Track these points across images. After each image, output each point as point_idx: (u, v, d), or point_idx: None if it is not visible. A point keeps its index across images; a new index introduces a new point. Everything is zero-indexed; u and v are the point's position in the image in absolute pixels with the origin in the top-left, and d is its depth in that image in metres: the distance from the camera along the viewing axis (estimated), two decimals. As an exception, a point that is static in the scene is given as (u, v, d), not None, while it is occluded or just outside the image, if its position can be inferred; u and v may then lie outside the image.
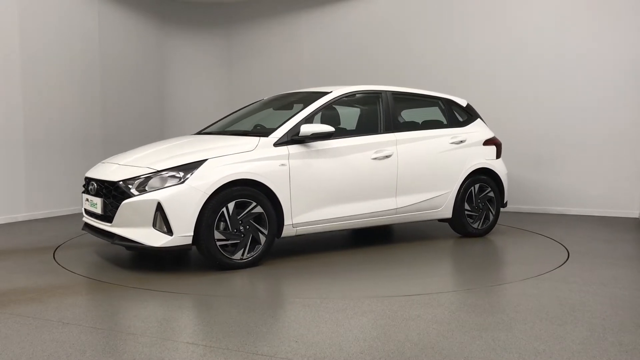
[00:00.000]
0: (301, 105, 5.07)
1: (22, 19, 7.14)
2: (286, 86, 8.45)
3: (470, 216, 5.78)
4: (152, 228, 4.17)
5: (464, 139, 5.77)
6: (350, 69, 8.96)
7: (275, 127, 4.79)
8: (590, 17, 7.33)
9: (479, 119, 6.12)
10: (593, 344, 2.81)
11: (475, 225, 5.81)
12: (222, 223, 4.30)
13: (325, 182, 4.82)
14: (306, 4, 9.40)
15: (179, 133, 8.57)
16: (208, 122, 7.51)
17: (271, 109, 5.76)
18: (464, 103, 6.16)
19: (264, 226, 4.49)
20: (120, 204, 4.25)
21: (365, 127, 5.49)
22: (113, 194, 4.37)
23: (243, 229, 4.39)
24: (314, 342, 2.85)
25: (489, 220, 5.92)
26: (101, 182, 4.55)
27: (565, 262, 4.71)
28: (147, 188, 4.21)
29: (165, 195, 4.14)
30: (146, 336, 2.95)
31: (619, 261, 4.76)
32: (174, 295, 3.76)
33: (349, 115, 5.69)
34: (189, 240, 4.21)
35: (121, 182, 4.32)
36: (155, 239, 4.16)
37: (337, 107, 5.44)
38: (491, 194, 5.91)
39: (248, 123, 5.53)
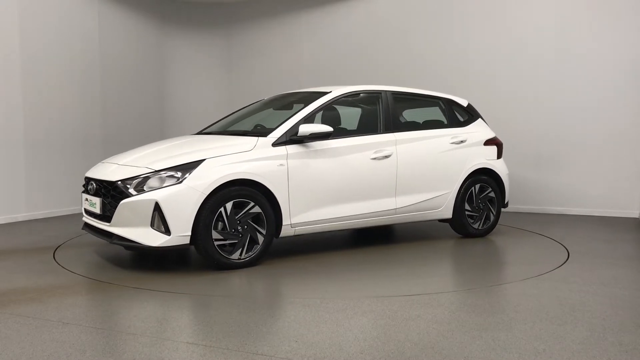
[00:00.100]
0: (301, 105, 5.07)
1: (22, 19, 7.14)
2: (286, 86, 8.46)
3: (470, 216, 5.78)
4: (150, 228, 4.18)
5: (464, 139, 5.76)
6: (350, 69, 8.96)
7: (274, 127, 4.79)
8: (590, 17, 7.33)
9: (480, 119, 6.12)
10: (593, 344, 2.81)
11: (475, 226, 5.81)
12: (220, 223, 4.30)
13: (323, 182, 4.82)
14: (306, 4, 9.40)
15: (179, 133, 8.57)
16: (208, 122, 7.52)
17: (271, 109, 5.76)
18: (464, 103, 6.15)
19: (262, 226, 4.49)
20: (118, 203, 4.26)
21: (365, 127, 5.49)
22: (112, 194, 4.38)
23: (241, 229, 4.40)
24: (314, 342, 2.85)
25: (490, 220, 5.91)
26: (100, 182, 4.56)
27: (565, 262, 4.71)
28: (145, 188, 4.22)
29: (162, 195, 4.15)
30: (146, 336, 2.95)
31: (619, 261, 4.75)
32: (174, 295, 3.76)
33: (349, 115, 5.68)
34: (187, 240, 4.22)
35: (119, 182, 4.33)
36: (153, 238, 4.17)
37: (337, 107, 5.44)
38: (492, 194, 5.90)
39: (248, 123, 5.53)
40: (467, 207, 5.73)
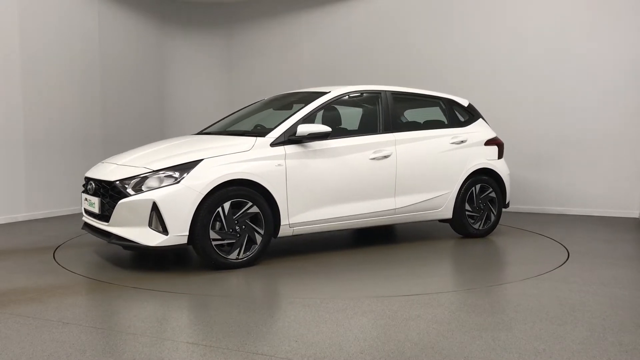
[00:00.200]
0: (301, 105, 5.07)
1: (22, 19, 7.14)
2: (286, 86, 8.46)
3: (471, 217, 5.77)
4: (148, 227, 4.19)
5: (464, 139, 5.76)
6: (350, 69, 8.96)
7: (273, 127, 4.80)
8: (590, 17, 7.33)
9: (480, 119, 6.11)
10: (593, 344, 2.81)
11: (476, 226, 5.80)
12: (217, 223, 4.31)
13: (322, 182, 4.82)
14: (306, 4, 9.40)
15: (179, 133, 8.57)
16: (208, 122, 7.52)
17: (271, 109, 5.76)
18: (465, 103, 6.15)
19: (260, 226, 4.50)
20: (117, 203, 4.27)
21: (365, 127, 5.49)
22: (110, 194, 4.39)
23: (239, 229, 4.40)
24: (314, 342, 2.85)
25: (491, 220, 5.91)
26: (99, 182, 4.57)
27: (565, 262, 4.71)
28: (143, 188, 4.23)
29: (160, 194, 4.16)
30: (146, 336, 2.95)
31: (619, 261, 4.75)
32: (174, 295, 3.76)
33: (348, 116, 5.68)
34: (184, 240, 4.23)
35: (118, 182, 4.34)
36: (150, 238, 4.18)
37: (336, 107, 5.44)
38: (492, 195, 5.90)
39: (249, 123, 5.53)
40: (467, 207, 5.72)
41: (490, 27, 7.95)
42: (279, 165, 4.59)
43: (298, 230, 4.76)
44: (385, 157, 5.18)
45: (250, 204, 4.43)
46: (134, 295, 3.77)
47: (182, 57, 9.88)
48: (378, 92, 5.47)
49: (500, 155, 6.04)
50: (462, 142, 5.73)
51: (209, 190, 4.25)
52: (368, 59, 8.84)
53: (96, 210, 4.52)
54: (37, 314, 3.33)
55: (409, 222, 5.59)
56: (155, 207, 4.15)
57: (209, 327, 3.09)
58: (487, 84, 7.94)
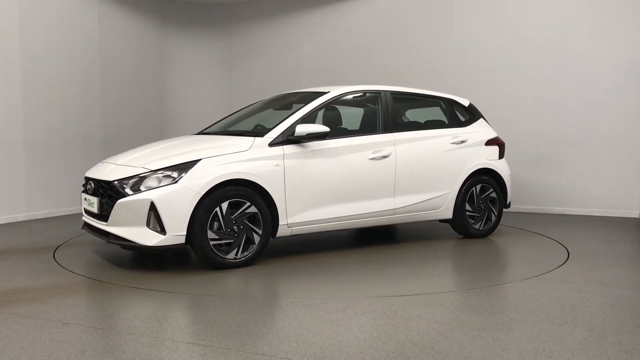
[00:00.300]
0: (300, 105, 5.07)
1: (22, 19, 7.14)
2: (286, 86, 8.46)
3: (471, 217, 5.77)
4: (146, 227, 4.20)
5: (465, 139, 5.75)
6: (350, 69, 8.95)
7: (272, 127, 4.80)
8: (590, 17, 7.33)
9: (481, 119, 6.10)
10: (593, 344, 2.81)
11: (477, 226, 5.79)
12: (215, 223, 4.31)
13: (321, 182, 4.81)
14: (306, 4, 9.40)
15: (179, 133, 8.57)
16: (208, 122, 7.52)
17: (271, 109, 5.76)
18: (466, 103, 6.14)
19: (258, 226, 4.50)
20: (115, 203, 4.27)
21: (364, 127, 5.49)
22: (109, 194, 4.40)
23: (237, 229, 4.40)
24: (314, 342, 2.85)
25: (491, 221, 5.90)
26: (98, 182, 4.58)
27: (565, 262, 4.71)
28: (141, 188, 4.24)
29: (158, 194, 4.16)
30: (146, 336, 2.95)
31: (619, 261, 4.75)
32: (174, 295, 3.76)
33: (348, 115, 5.68)
34: (182, 240, 4.23)
35: (116, 182, 4.35)
36: (148, 238, 4.18)
37: (336, 107, 5.44)
38: (493, 195, 5.89)
39: (249, 123, 5.53)
40: (468, 207, 5.72)
41: (490, 27, 7.95)
42: (277, 165, 4.59)
43: (296, 230, 4.76)
44: (385, 157, 5.18)
45: (248, 204, 4.43)
46: (133, 295, 3.77)
47: (182, 57, 9.88)
48: (378, 92, 5.47)
49: (501, 156, 6.03)
50: (462, 142, 5.73)
51: (207, 190, 4.26)
52: (368, 59, 8.84)
53: (95, 210, 4.53)
54: (37, 314, 3.33)
55: (409, 222, 5.58)
56: (153, 207, 4.16)
57: (209, 327, 3.09)
58: (487, 84, 7.93)
